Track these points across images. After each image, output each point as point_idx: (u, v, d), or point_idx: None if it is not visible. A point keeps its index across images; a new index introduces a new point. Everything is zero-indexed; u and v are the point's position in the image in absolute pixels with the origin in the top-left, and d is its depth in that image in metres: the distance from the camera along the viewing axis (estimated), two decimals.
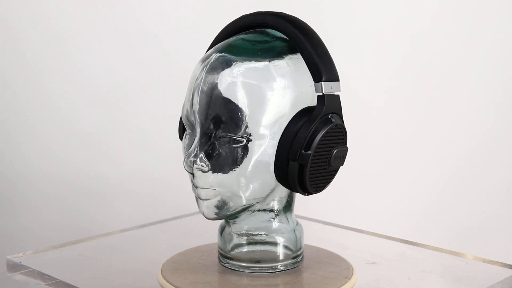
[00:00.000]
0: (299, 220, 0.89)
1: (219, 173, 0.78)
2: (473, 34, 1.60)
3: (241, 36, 0.82)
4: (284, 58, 0.79)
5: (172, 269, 0.86)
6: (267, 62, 0.78)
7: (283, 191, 0.82)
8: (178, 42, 1.53)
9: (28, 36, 1.48)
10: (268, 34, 0.82)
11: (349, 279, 0.83)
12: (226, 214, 0.81)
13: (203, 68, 0.80)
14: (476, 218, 1.65)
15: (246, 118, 0.76)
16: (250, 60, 0.78)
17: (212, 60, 0.79)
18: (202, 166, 0.78)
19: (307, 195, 0.79)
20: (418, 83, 1.61)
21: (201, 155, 0.78)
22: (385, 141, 1.62)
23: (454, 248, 0.99)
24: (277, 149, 0.77)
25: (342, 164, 0.80)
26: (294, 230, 0.85)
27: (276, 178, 0.79)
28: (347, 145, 0.80)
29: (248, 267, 0.83)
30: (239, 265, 0.84)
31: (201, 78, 0.79)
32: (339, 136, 0.78)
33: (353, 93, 1.59)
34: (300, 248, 0.86)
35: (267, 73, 0.77)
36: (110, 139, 1.53)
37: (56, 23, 1.48)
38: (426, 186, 1.65)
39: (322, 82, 0.76)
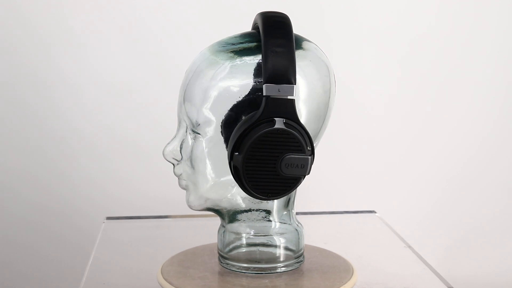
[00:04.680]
0: (301, 217, 0.88)
1: (187, 166, 0.81)
2: (474, 37, 1.60)
3: (232, 35, 0.82)
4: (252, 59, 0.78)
5: (172, 269, 0.86)
6: (229, 62, 0.77)
7: None
8: (192, 45, 1.51)
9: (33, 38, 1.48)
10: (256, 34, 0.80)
11: (349, 279, 0.83)
12: (206, 206, 0.82)
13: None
14: (477, 220, 1.65)
15: (200, 115, 0.78)
16: (218, 62, 0.78)
17: (196, 56, 0.81)
18: (173, 156, 0.81)
19: (262, 200, 0.77)
20: (419, 86, 1.61)
21: (175, 146, 0.81)
22: (385, 144, 1.61)
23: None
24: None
25: (305, 173, 0.73)
26: (295, 229, 0.84)
27: None
28: (309, 154, 0.73)
29: (248, 268, 0.83)
30: (238, 266, 0.83)
31: (186, 72, 0.82)
32: (288, 143, 0.72)
33: (353, 95, 1.59)
34: (301, 249, 0.86)
35: (230, 73, 0.77)
36: (113, 137, 1.53)
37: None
38: (428, 189, 1.64)
39: (266, 84, 0.71)
